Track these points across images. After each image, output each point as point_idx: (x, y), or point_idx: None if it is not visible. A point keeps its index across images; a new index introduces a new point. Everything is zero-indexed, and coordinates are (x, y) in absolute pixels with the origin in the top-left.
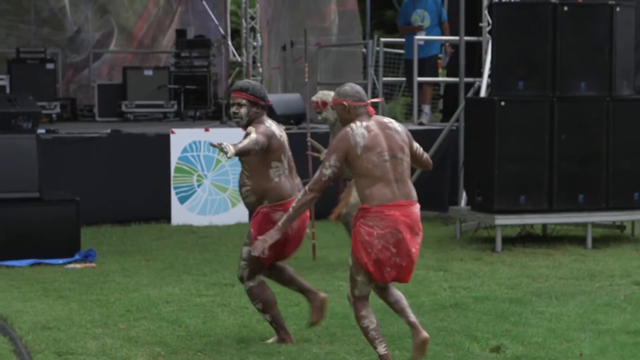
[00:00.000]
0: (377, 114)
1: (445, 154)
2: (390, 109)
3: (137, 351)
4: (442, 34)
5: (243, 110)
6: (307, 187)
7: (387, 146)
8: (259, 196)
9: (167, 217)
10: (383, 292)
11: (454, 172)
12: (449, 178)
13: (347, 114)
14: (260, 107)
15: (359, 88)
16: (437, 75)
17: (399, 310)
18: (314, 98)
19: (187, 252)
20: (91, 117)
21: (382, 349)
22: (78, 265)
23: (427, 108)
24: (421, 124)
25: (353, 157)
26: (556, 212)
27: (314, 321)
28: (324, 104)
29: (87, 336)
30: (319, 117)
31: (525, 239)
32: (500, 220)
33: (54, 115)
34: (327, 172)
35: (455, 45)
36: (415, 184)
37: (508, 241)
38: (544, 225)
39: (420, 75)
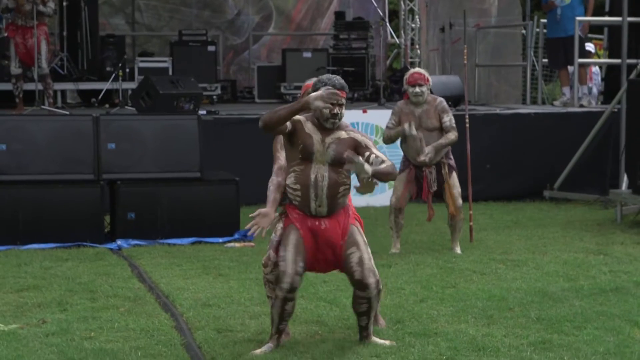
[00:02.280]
0: (534, 95)
1: (607, 137)
2: (550, 91)
3: (295, 329)
4: (585, 13)
5: (343, 112)
6: None
7: None
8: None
9: None
10: None
11: (615, 155)
12: (610, 161)
13: None
14: None
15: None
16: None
17: None
18: (420, 70)
19: None
20: (251, 98)
21: None
22: (237, 244)
23: (567, 91)
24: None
25: None
26: None
27: None
28: (427, 80)
29: (246, 314)
30: (417, 90)
31: None
32: None
33: (214, 97)
34: None
35: (613, 26)
36: (576, 167)
37: None
38: None
39: (564, 54)
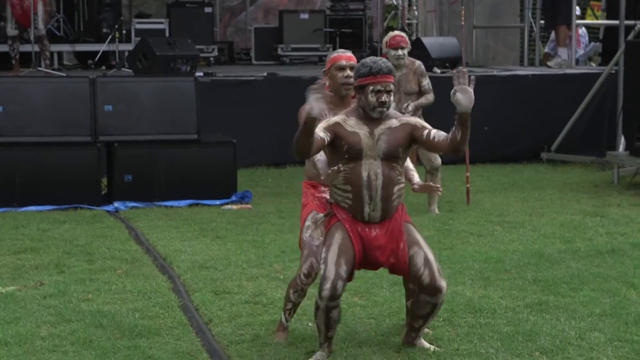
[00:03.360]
0: (532, 57)
1: (604, 98)
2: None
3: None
4: None
5: (392, 99)
6: None
7: None
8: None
9: None
10: None
11: (612, 117)
12: (607, 123)
13: None
14: None
15: None
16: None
17: None
18: (401, 33)
19: None
20: (248, 60)
21: None
22: (234, 207)
23: (563, 52)
24: (560, 65)
25: None
26: None
27: None
28: (407, 43)
29: (243, 276)
30: (400, 52)
31: None
32: None
33: (211, 59)
34: None
35: None
36: (573, 129)
37: None
38: None
39: (554, 15)
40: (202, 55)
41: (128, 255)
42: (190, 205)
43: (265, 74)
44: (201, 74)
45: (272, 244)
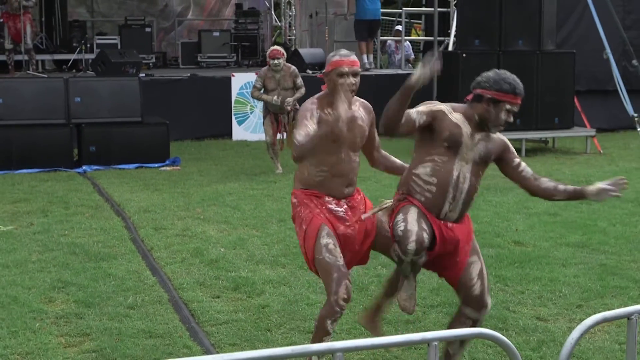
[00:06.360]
0: (375, 62)
1: (423, 94)
2: (384, 60)
3: (209, 227)
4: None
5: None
6: None
7: None
8: None
9: (229, 135)
10: None
11: None
12: None
13: None
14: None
15: None
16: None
17: None
18: (278, 47)
19: (244, 159)
20: (176, 65)
21: None
22: (168, 168)
23: (367, 57)
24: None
25: None
26: (502, 132)
27: None
28: (283, 54)
29: (174, 217)
30: (276, 61)
31: None
32: None
33: (150, 64)
34: None
35: (428, 14)
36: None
37: None
38: None
39: (370, 33)
40: (144, 61)
41: (93, 203)
42: (136, 168)
43: (189, 74)
44: (143, 75)
45: (194, 194)
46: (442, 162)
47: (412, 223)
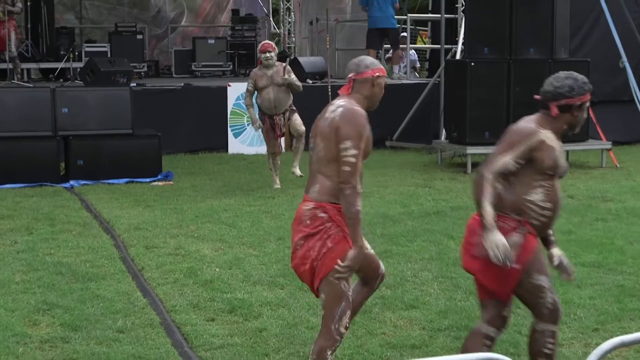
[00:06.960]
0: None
1: (431, 101)
2: (388, 69)
3: (204, 245)
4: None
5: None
6: None
7: (313, 133)
8: None
9: (225, 148)
10: None
11: (436, 115)
12: (432, 119)
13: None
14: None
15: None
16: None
17: None
18: (269, 41)
19: (240, 173)
20: (169, 74)
21: None
22: (160, 183)
23: (396, 68)
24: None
25: None
26: None
27: None
28: (274, 48)
29: (167, 235)
30: (267, 55)
31: None
32: (471, 150)
33: (142, 73)
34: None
35: (434, 21)
36: (409, 123)
37: (476, 165)
38: None
39: (381, 42)
40: (135, 70)
41: (81, 220)
42: (127, 182)
43: (182, 84)
44: (134, 84)
45: (188, 210)
46: (550, 186)
47: (554, 294)
